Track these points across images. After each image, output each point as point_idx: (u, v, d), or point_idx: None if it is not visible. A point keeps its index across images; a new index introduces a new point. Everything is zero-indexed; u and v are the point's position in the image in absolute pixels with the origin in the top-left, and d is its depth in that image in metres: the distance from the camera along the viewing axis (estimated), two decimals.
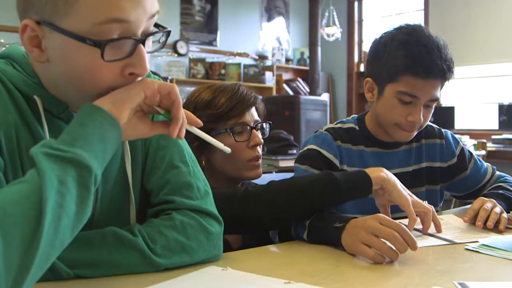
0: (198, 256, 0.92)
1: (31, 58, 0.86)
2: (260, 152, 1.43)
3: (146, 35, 0.80)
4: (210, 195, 1.00)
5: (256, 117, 1.43)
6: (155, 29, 0.83)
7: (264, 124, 1.46)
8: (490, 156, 5.41)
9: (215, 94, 1.41)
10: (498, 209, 1.30)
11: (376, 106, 1.46)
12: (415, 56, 1.33)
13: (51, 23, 0.76)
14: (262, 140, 1.41)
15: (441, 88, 1.40)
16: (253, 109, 1.44)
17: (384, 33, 1.44)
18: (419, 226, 1.30)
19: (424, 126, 1.46)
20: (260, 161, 1.43)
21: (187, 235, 0.91)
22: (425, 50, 1.33)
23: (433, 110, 1.44)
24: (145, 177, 0.98)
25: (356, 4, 7.85)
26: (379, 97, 1.44)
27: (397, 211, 1.47)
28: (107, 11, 0.73)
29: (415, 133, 1.45)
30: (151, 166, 0.97)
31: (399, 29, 1.41)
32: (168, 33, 0.84)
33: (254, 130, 1.40)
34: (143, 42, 0.79)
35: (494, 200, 1.33)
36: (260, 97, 1.53)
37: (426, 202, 1.24)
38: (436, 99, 1.39)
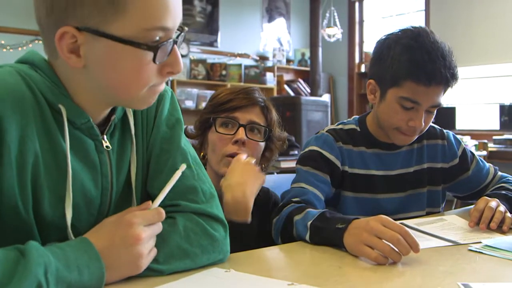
0: (202, 261, 0.92)
1: (55, 65, 0.86)
2: (243, 153, 1.37)
3: (177, 35, 0.85)
4: (216, 197, 0.99)
5: (255, 119, 1.41)
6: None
7: (258, 127, 1.42)
8: (492, 156, 5.40)
9: (223, 90, 1.47)
10: (502, 208, 1.30)
11: (378, 109, 1.45)
12: (418, 63, 1.32)
13: (96, 29, 0.77)
14: (245, 138, 1.38)
15: (444, 93, 1.40)
16: (256, 112, 1.43)
17: (389, 34, 1.42)
18: (421, 227, 1.30)
19: (425, 130, 1.46)
20: None
21: (190, 242, 0.90)
22: (429, 57, 1.32)
23: (434, 115, 1.43)
24: (149, 181, 0.98)
25: (357, 4, 7.85)
26: (381, 100, 1.43)
27: (397, 212, 1.48)
28: (156, 20, 0.79)
29: (415, 137, 1.45)
30: (154, 171, 0.97)
31: (405, 32, 1.38)
32: (184, 30, 0.88)
33: (241, 128, 1.39)
34: (176, 42, 0.84)
35: (498, 200, 1.33)
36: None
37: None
38: (438, 105, 1.38)
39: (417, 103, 1.36)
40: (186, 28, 0.87)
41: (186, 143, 1.01)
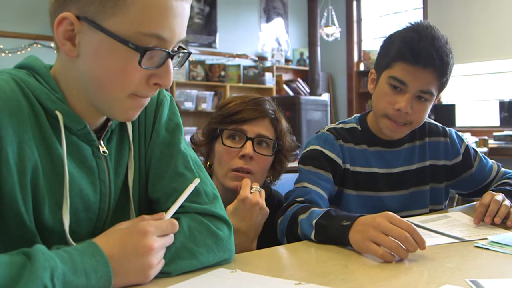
0: (208, 261, 0.91)
1: (53, 70, 0.87)
2: (251, 167, 1.34)
3: (175, 52, 0.84)
4: (219, 198, 0.99)
5: (264, 132, 1.37)
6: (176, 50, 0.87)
7: (266, 141, 1.38)
8: (492, 153, 5.40)
9: (232, 99, 1.43)
10: (508, 202, 1.30)
11: (373, 96, 1.46)
12: (407, 42, 1.35)
13: (93, 20, 0.78)
14: (252, 153, 1.33)
15: (439, 83, 1.38)
16: (265, 124, 1.39)
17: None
18: (426, 224, 1.30)
19: (420, 121, 1.44)
20: (248, 175, 1.34)
21: (195, 241, 0.90)
22: (418, 36, 1.34)
23: (429, 107, 1.42)
24: (150, 186, 0.98)
25: (354, 3, 7.85)
26: (376, 86, 1.45)
27: (399, 210, 1.47)
28: (154, 26, 0.79)
29: (405, 129, 1.43)
30: (155, 175, 0.97)
31: (408, 24, 1.42)
32: (189, 55, 0.88)
33: (249, 142, 1.34)
34: (172, 57, 0.83)
35: (503, 194, 1.33)
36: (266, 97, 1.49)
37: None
38: (428, 91, 1.37)
39: (404, 84, 1.36)
40: (189, 51, 0.87)
41: (186, 146, 1.01)
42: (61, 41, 0.80)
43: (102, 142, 0.91)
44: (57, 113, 0.84)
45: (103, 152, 0.90)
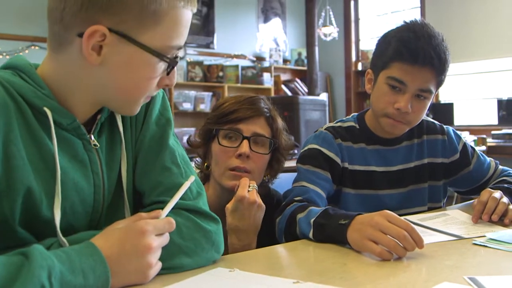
0: (198, 255, 0.91)
1: (41, 68, 0.87)
2: (248, 166, 1.33)
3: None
4: (203, 195, 0.99)
5: (260, 131, 1.37)
6: None
7: (262, 139, 1.37)
8: (491, 151, 5.40)
9: (227, 99, 1.42)
10: (505, 200, 1.30)
11: (371, 96, 1.46)
12: (404, 42, 1.35)
13: (127, 35, 0.81)
14: (248, 152, 1.33)
15: (437, 81, 1.39)
16: (261, 123, 1.38)
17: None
18: (424, 222, 1.30)
19: (418, 120, 1.44)
20: (246, 174, 1.33)
21: (183, 236, 0.90)
22: (414, 35, 1.34)
23: (427, 105, 1.42)
24: (137, 179, 0.98)
25: (352, 3, 7.85)
26: (373, 86, 1.45)
27: (398, 208, 1.47)
28: (179, 39, 0.87)
29: (405, 126, 1.44)
30: (143, 169, 0.98)
31: (403, 23, 1.42)
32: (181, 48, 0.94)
33: (245, 141, 1.34)
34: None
35: (501, 192, 1.33)
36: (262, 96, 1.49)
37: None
38: (427, 90, 1.38)
39: (403, 83, 1.36)
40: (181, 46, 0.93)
41: (175, 143, 1.02)
42: (89, 52, 0.81)
43: (92, 136, 0.91)
44: (46, 109, 0.84)
45: (94, 145, 0.91)
